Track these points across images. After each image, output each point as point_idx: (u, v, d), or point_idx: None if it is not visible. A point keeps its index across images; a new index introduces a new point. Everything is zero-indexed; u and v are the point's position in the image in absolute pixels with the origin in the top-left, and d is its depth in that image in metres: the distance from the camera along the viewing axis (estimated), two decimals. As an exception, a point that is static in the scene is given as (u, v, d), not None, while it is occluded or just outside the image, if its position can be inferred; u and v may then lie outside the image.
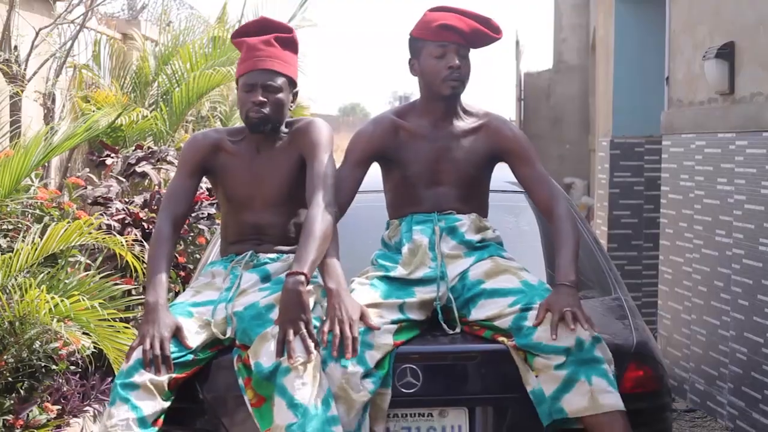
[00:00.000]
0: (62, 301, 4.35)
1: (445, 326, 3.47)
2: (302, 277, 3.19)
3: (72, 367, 5.06)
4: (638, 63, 8.06)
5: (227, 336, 3.36)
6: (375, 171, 3.72)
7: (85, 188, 6.33)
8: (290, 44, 3.64)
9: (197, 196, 6.36)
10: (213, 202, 6.57)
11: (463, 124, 3.70)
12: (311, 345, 3.15)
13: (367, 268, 3.63)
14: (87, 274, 5.01)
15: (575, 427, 3.27)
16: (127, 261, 5.23)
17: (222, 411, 3.32)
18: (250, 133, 3.57)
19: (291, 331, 3.14)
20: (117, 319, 4.60)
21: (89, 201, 6.35)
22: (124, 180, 6.70)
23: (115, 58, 7.96)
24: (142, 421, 3.11)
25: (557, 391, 3.25)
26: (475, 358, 3.40)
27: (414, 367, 3.33)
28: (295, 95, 3.65)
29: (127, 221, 6.23)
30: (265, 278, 3.49)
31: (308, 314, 3.18)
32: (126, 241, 5.30)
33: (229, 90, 10.98)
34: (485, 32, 3.62)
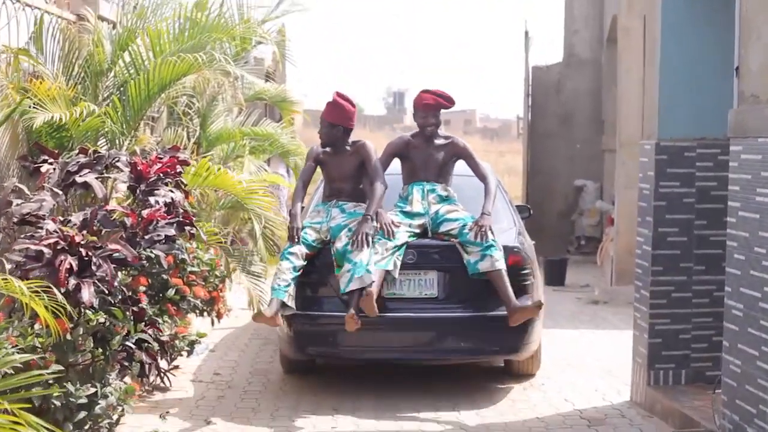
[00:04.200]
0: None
1: (429, 235, 7.29)
2: (369, 218, 7.06)
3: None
4: (692, 52, 6.73)
5: (327, 238, 7.20)
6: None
7: (10, 204, 4.98)
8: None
9: (152, 214, 5.05)
10: (171, 221, 5.22)
11: (440, 141, 7.62)
12: (369, 241, 6.95)
13: (393, 209, 7.37)
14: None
15: (483, 278, 6.99)
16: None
17: (325, 270, 7.10)
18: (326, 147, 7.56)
19: (360, 234, 6.95)
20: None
21: (15, 220, 5.00)
22: (60, 193, 5.34)
23: (63, 41, 6.56)
24: (294, 269, 6.98)
25: (476, 261, 7.01)
26: (440, 248, 7.23)
27: (413, 250, 7.13)
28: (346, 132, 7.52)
29: (60, 246, 4.88)
30: (342, 211, 7.33)
31: (369, 230, 6.99)
32: (59, 271, 3.94)
33: (205, 82, 9.61)
34: (445, 103, 7.59)
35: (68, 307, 4.45)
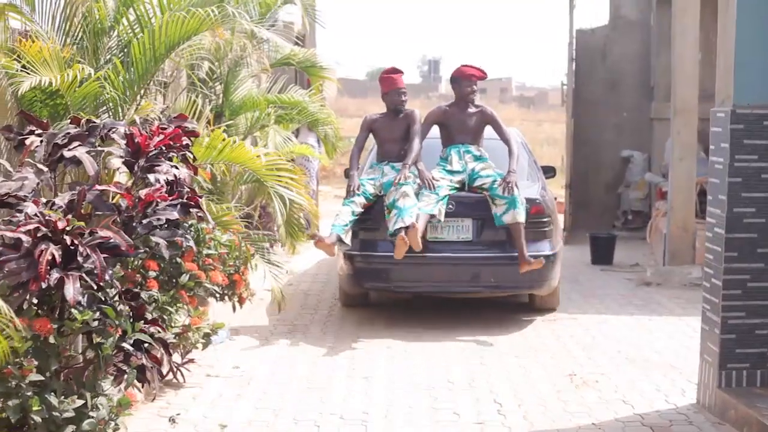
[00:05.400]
0: None
1: (465, 189, 8.70)
2: (406, 165, 8.56)
3: None
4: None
5: (381, 192, 8.64)
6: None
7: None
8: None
9: (150, 195, 4.29)
10: (174, 202, 4.45)
11: (473, 110, 8.99)
12: (406, 179, 8.49)
13: (436, 167, 8.82)
14: None
15: (507, 228, 8.42)
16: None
17: (379, 218, 8.52)
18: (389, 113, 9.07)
19: (400, 177, 8.48)
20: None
21: (-8, 201, 4.26)
22: (46, 169, 4.59)
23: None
24: (353, 213, 8.44)
25: (501, 214, 8.37)
26: (474, 200, 8.60)
27: (453, 201, 8.54)
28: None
29: (41, 233, 4.14)
30: (393, 169, 8.74)
31: (407, 174, 8.53)
32: (39, 262, 3.19)
33: (227, 45, 8.82)
34: (483, 75, 9.04)
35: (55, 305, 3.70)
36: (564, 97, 15.82)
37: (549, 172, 9.86)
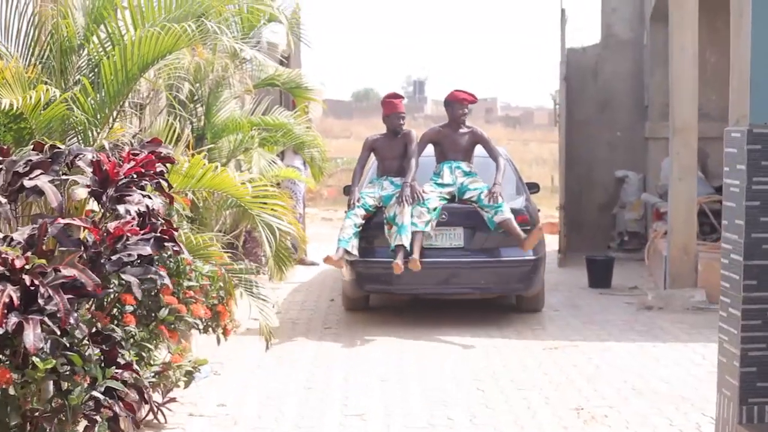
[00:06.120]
0: None
1: (456, 201, 9.64)
2: (407, 184, 9.51)
3: None
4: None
5: (380, 204, 9.63)
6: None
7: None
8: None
9: (119, 228, 3.85)
10: (146, 237, 4.02)
11: (464, 130, 10.00)
12: (409, 201, 9.39)
13: (429, 181, 9.80)
14: None
15: (500, 231, 9.44)
16: None
17: (379, 228, 9.51)
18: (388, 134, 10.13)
19: (402, 196, 9.46)
20: None
21: (-57, 237, 3.81)
22: (5, 200, 4.15)
23: (24, 12, 5.33)
24: (355, 225, 9.45)
25: (491, 216, 9.39)
26: (465, 210, 9.55)
27: (445, 211, 9.50)
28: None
29: (-2, 273, 3.70)
30: (391, 184, 9.79)
31: (408, 193, 9.48)
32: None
33: (208, 65, 8.41)
34: (473, 100, 10.08)
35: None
36: (556, 117, 15.44)
37: (533, 188, 10.89)
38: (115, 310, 5.55)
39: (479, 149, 9.97)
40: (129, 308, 6.16)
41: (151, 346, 6.15)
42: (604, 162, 15.61)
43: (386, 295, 10.24)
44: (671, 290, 10.63)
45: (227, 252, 8.48)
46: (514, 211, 9.44)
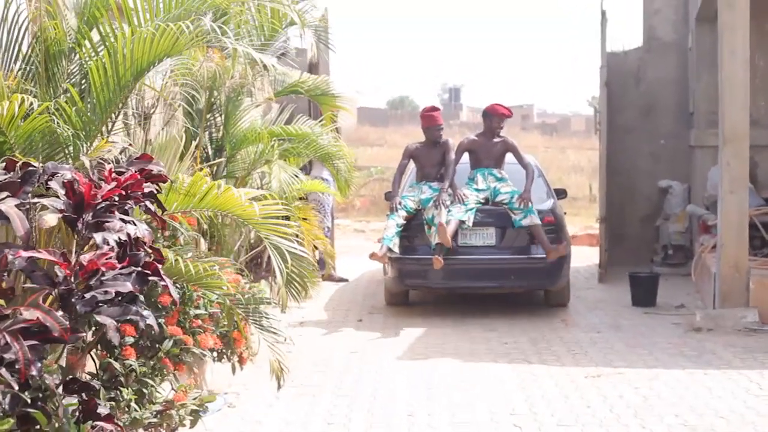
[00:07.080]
0: None
1: (489, 204, 10.68)
2: (444, 190, 10.59)
3: None
4: None
5: (419, 207, 10.64)
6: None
7: None
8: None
9: (94, 262, 3.26)
10: (127, 271, 3.43)
11: (497, 139, 11.00)
12: (445, 204, 10.46)
13: (465, 185, 10.83)
14: None
15: (524, 229, 10.49)
16: None
17: (419, 228, 10.59)
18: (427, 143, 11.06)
19: (439, 200, 10.45)
20: None
21: None
22: (-36, 229, 3.59)
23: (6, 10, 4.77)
24: (398, 225, 10.45)
25: (519, 219, 10.44)
26: (497, 212, 10.60)
27: (479, 212, 10.56)
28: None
29: (-53, 316, 3.12)
30: (429, 188, 10.76)
31: (445, 197, 10.50)
32: None
33: (226, 72, 7.85)
34: (510, 114, 11.26)
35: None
36: (597, 124, 14.77)
37: (561, 194, 11.92)
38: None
39: (510, 157, 10.98)
40: (129, 340, 5.63)
41: (153, 382, 5.59)
42: (646, 172, 14.91)
43: (425, 290, 11.38)
44: (721, 310, 9.93)
45: (243, 272, 7.91)
46: (542, 212, 10.52)
